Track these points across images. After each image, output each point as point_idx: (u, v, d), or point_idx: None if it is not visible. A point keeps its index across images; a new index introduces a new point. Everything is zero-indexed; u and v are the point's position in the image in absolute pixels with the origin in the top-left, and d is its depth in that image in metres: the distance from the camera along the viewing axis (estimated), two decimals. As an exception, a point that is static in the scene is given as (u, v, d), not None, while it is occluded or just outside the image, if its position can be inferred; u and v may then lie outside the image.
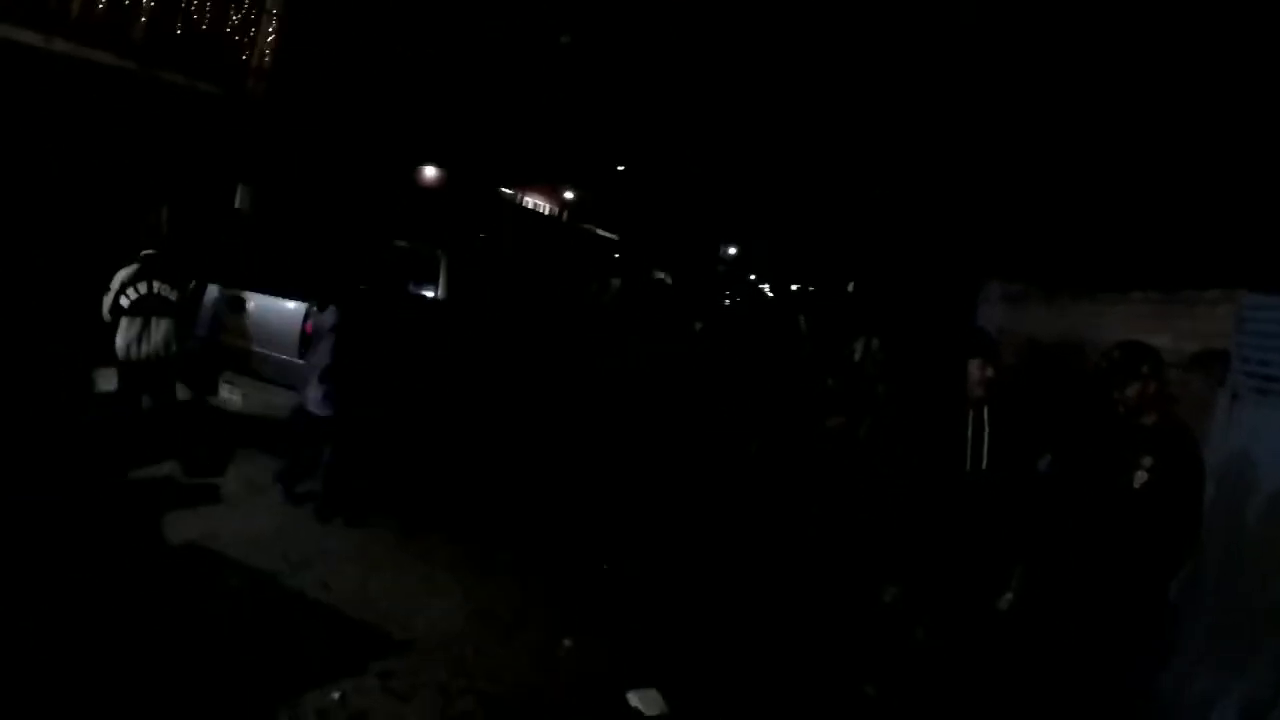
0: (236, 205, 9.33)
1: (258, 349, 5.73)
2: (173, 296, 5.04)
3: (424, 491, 5.59)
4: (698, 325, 11.91)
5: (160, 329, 4.99)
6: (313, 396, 4.92)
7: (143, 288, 4.93)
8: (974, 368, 3.51)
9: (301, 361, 5.45)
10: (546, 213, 22.03)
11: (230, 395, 5.78)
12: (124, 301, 4.91)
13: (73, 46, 7.43)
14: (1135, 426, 3.11)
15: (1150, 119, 6.73)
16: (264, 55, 9.73)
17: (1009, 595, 3.29)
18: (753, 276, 37.82)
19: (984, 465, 3.43)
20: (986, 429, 3.46)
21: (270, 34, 9.81)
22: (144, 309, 4.94)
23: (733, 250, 37.88)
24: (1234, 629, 3.74)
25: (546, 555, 4.98)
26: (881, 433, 7.98)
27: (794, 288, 36.03)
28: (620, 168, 24.72)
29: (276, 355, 5.64)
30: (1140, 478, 2.94)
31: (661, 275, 22.37)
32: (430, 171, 14.90)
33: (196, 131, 8.64)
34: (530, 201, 21.02)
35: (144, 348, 4.96)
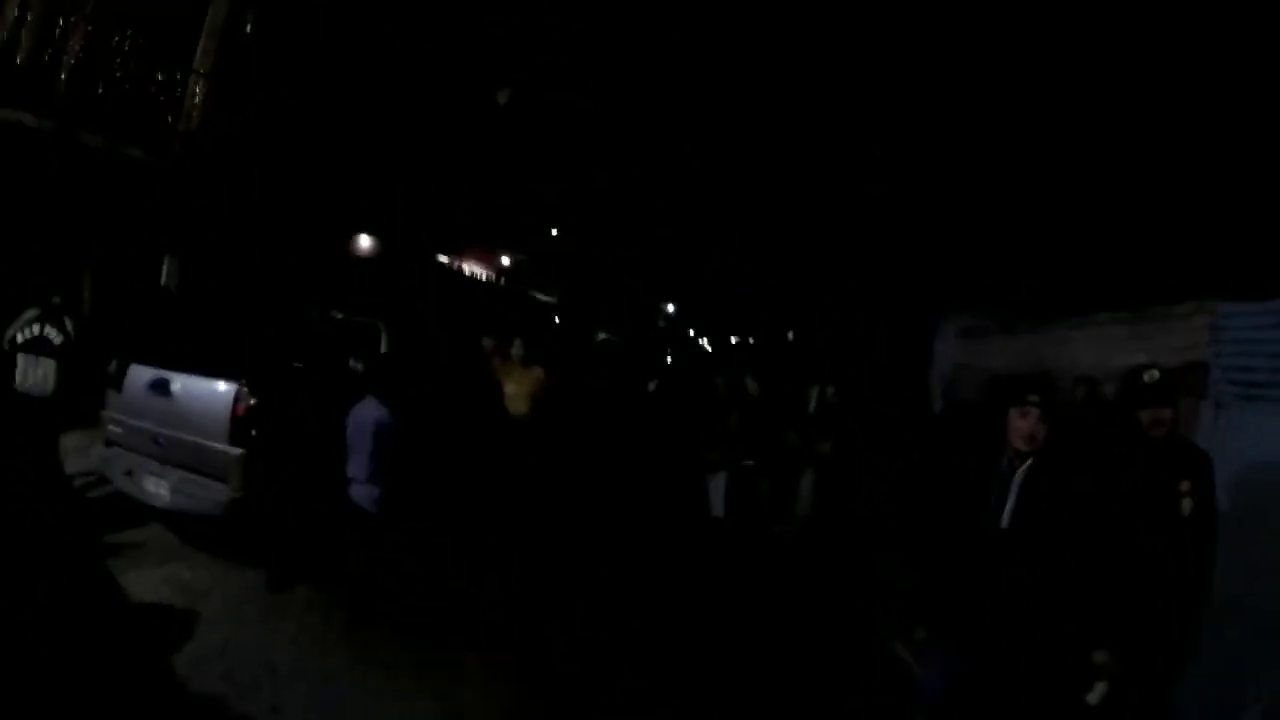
0: (163, 280, 8.69)
1: (185, 435, 5.10)
2: (57, 340, 5.41)
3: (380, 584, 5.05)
4: (652, 385, 11.39)
5: (40, 367, 5.38)
6: (365, 494, 4.66)
7: (35, 329, 5.39)
8: (1015, 417, 2.84)
9: (232, 449, 4.94)
10: (484, 278, 21.66)
11: (156, 488, 5.16)
12: (19, 338, 5.38)
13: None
14: (1159, 452, 2.91)
15: (1105, 134, 6.80)
16: (191, 118, 9.20)
17: (1101, 686, 2.68)
18: (691, 332, 37.95)
19: (1004, 526, 2.83)
20: (1017, 487, 2.82)
21: (198, 96, 9.34)
22: (31, 348, 5.37)
23: (671, 307, 38.03)
24: (1231, 633, 3.60)
25: (519, 654, 4.49)
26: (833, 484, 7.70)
27: (734, 340, 36.30)
28: (554, 231, 24.67)
29: (205, 442, 5.00)
30: (1187, 505, 2.72)
31: (605, 336, 22.16)
32: (365, 241, 14.47)
33: (120, 198, 8.06)
34: (467, 268, 20.65)
35: (26, 382, 5.33)
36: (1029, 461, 2.83)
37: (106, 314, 7.46)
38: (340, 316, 7.02)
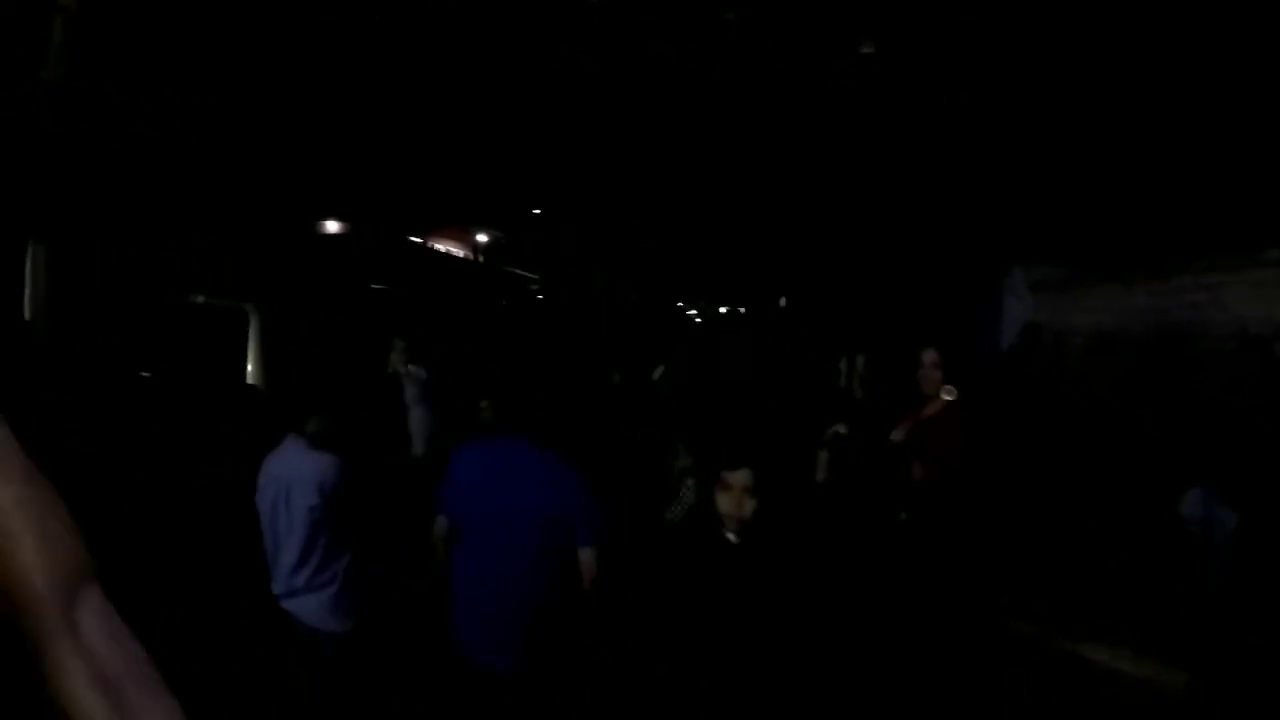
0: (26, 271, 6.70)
1: None
2: None
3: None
4: (616, 378, 9.52)
5: None
6: (306, 605, 2.77)
7: None
8: None
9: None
10: (460, 256, 20.54)
11: None
12: None
13: None
14: None
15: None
16: (54, 66, 7.15)
17: None
18: (679, 302, 36.54)
19: None
20: None
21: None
22: None
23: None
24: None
25: None
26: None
27: (722, 310, 34.80)
28: (536, 210, 23.32)
29: None
30: None
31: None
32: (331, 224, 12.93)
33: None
34: (440, 247, 19.39)
35: None
36: None
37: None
38: (201, 301, 5.14)
